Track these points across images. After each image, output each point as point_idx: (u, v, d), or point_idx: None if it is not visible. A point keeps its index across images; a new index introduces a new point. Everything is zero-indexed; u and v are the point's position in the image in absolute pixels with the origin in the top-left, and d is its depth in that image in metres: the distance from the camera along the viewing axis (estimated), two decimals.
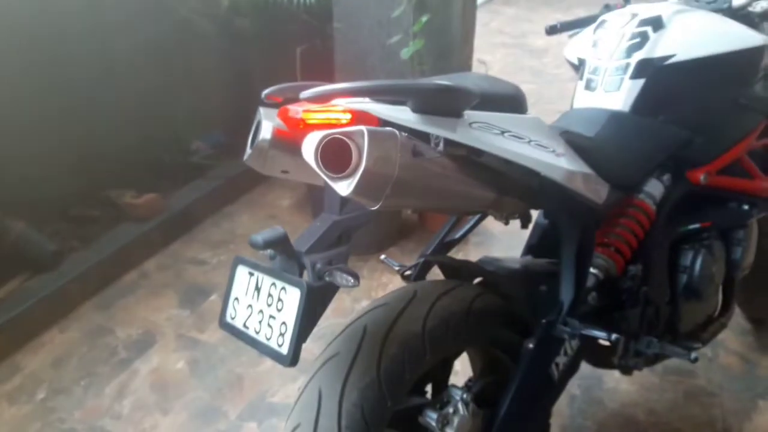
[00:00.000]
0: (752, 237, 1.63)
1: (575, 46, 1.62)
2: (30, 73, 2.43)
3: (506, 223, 1.21)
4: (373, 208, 0.89)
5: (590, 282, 1.29)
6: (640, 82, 1.39)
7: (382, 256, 1.53)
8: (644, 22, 1.42)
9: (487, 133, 0.98)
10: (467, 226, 1.50)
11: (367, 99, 0.93)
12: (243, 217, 3.05)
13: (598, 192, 1.20)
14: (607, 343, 1.37)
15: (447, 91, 0.92)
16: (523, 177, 1.05)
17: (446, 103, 0.94)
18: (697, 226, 1.48)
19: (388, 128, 0.86)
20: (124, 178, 2.84)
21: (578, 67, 1.56)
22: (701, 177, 1.43)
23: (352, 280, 0.93)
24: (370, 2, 2.76)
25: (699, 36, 1.40)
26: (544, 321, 1.17)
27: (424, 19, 2.55)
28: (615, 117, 1.37)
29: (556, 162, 1.05)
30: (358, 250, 2.67)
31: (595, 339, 1.19)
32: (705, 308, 1.56)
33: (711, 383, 1.92)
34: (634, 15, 1.45)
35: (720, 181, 1.48)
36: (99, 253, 2.48)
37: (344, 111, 0.91)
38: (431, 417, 1.11)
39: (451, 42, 2.70)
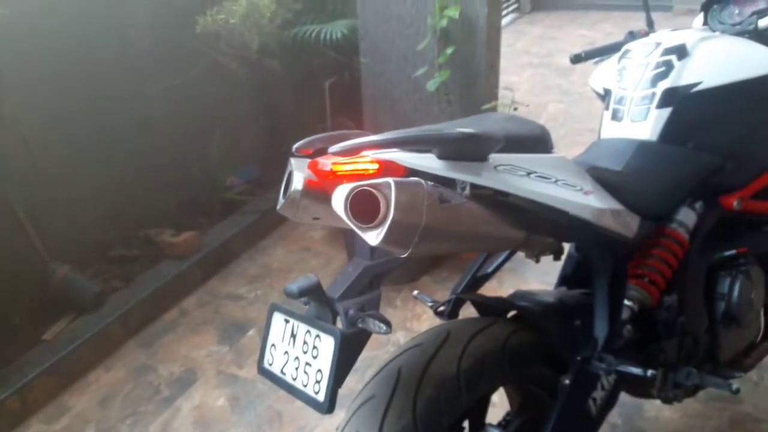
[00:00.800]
0: None
1: (600, 75, 1.62)
2: (70, 119, 2.54)
3: (537, 261, 1.22)
4: (402, 255, 0.91)
5: (625, 315, 1.28)
6: (667, 110, 1.38)
7: (415, 292, 1.54)
8: (668, 51, 1.42)
9: (512, 175, 1.00)
10: (498, 261, 1.50)
11: (394, 148, 0.96)
12: (278, 250, 3.10)
13: (629, 225, 1.20)
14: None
15: (471, 138, 0.94)
16: (552, 215, 1.06)
17: (471, 149, 0.96)
18: (732, 252, 1.46)
19: (414, 178, 0.89)
20: (163, 218, 2.93)
21: (604, 96, 1.56)
22: (735, 202, 1.42)
23: (385, 327, 0.95)
24: (395, 37, 2.82)
25: (724, 62, 1.40)
26: (579, 358, 1.17)
27: (449, 51, 2.59)
28: (643, 147, 1.37)
29: (584, 201, 1.06)
30: (391, 280, 2.68)
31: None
32: (746, 335, 1.54)
33: (757, 408, 1.87)
34: (658, 44, 1.45)
35: (754, 205, 1.46)
36: (140, 293, 2.55)
37: (372, 161, 0.94)
38: None
39: (476, 71, 2.72)
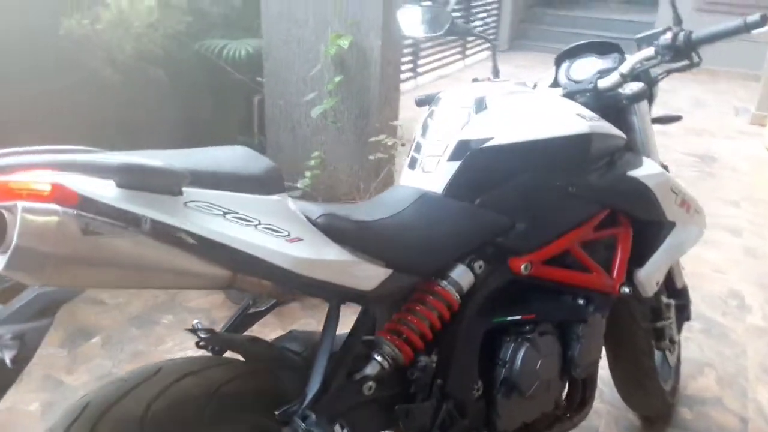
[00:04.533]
0: (595, 333, 1.54)
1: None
2: None
3: (253, 304, 1.15)
4: (36, 285, 0.85)
5: (373, 370, 1.22)
6: (456, 164, 1.33)
7: (195, 321, 1.46)
8: (469, 103, 1.38)
9: (202, 213, 0.94)
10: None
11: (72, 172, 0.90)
12: None
13: (367, 278, 1.14)
14: None
15: (140, 170, 0.89)
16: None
17: (153, 182, 0.91)
18: (517, 317, 1.41)
19: (50, 204, 0.83)
20: None
21: None
22: (522, 266, 1.36)
23: (10, 355, 0.88)
24: (296, 59, 2.80)
25: (518, 120, 1.36)
26: (278, 412, 1.10)
27: (336, 79, 2.56)
28: (423, 198, 1.32)
29: (283, 248, 1.00)
30: (257, 304, 2.61)
31: None
32: (533, 405, 1.47)
33: None
34: (464, 94, 1.42)
35: (546, 271, 1.41)
36: None
37: (47, 183, 0.88)
38: None
39: (370, 103, 2.69)
